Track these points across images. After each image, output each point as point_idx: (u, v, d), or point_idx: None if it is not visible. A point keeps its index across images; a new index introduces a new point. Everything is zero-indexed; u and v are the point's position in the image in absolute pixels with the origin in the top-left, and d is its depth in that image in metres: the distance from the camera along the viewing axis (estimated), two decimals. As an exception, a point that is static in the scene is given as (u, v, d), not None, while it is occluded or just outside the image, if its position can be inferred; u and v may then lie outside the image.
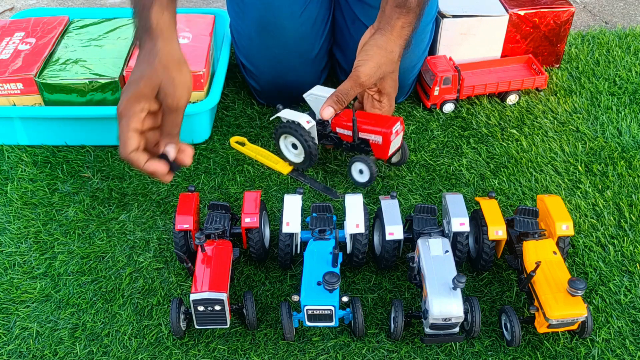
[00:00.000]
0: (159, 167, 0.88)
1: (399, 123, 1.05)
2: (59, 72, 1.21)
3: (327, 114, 1.02)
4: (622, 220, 1.08)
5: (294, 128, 1.09)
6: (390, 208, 0.96)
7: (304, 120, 1.09)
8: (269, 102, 1.35)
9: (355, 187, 1.16)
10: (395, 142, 1.07)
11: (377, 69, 1.02)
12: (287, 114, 1.11)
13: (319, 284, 0.86)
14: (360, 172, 1.09)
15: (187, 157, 0.90)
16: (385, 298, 0.97)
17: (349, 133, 1.09)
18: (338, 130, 1.10)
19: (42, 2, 1.85)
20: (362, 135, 1.07)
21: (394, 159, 1.14)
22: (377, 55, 1.01)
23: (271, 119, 1.17)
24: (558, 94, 1.39)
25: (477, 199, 1.02)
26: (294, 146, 1.13)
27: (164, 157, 0.88)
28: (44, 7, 1.52)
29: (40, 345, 0.90)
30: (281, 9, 1.22)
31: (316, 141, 1.11)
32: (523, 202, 1.12)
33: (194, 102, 1.23)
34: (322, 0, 1.27)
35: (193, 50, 1.27)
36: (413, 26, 1.04)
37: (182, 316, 0.89)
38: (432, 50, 1.40)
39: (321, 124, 1.13)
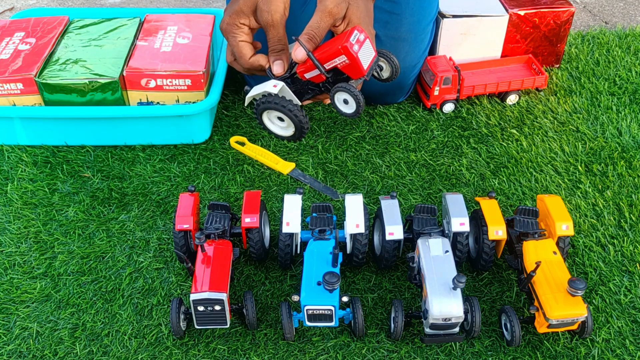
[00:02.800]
0: (279, 66, 0.96)
1: (356, 31, 0.91)
2: (59, 72, 1.21)
3: (300, 54, 0.93)
4: (622, 220, 1.08)
5: (270, 100, 0.97)
6: (390, 208, 0.96)
7: (270, 85, 0.97)
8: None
9: (356, 187, 1.16)
10: (365, 52, 0.94)
11: (336, 4, 0.93)
12: (256, 90, 0.99)
13: (319, 284, 0.86)
14: (345, 102, 0.96)
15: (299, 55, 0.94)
16: (385, 298, 0.97)
17: (315, 72, 0.97)
18: (307, 75, 0.98)
19: (42, 2, 1.85)
20: (327, 65, 0.94)
21: (385, 74, 1.02)
22: None
23: (245, 105, 1.07)
24: (558, 94, 1.39)
25: (477, 199, 1.02)
26: (280, 119, 1.02)
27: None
28: (44, 7, 1.52)
29: (40, 345, 0.90)
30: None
31: (298, 103, 0.99)
32: (523, 202, 1.12)
33: (193, 102, 1.23)
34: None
35: (193, 50, 1.27)
36: None
37: (182, 316, 0.89)
38: (432, 50, 1.40)
39: (292, 81, 1.00)
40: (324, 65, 0.94)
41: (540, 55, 1.45)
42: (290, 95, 0.98)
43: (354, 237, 0.95)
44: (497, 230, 0.94)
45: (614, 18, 1.75)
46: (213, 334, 0.92)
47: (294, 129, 1.01)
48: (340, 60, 0.93)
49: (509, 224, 0.99)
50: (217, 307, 0.85)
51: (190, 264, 0.89)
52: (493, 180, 1.17)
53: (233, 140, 1.26)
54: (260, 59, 0.97)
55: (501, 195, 1.14)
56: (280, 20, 0.94)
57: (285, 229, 0.93)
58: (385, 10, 1.25)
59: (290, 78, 1.00)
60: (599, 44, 1.56)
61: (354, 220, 0.94)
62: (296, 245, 0.99)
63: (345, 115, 0.97)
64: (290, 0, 1.21)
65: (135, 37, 1.33)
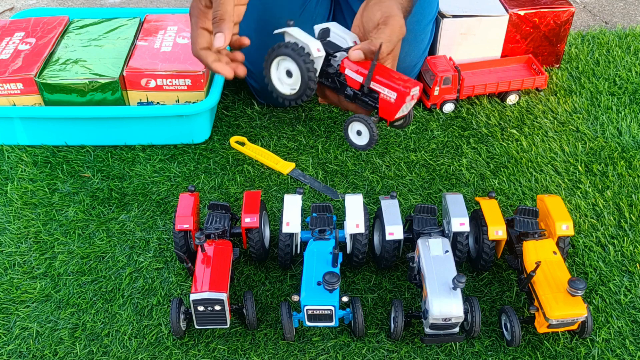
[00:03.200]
0: (224, 70, 0.88)
1: (418, 88, 0.88)
2: (59, 72, 1.21)
3: (357, 55, 0.86)
4: (622, 220, 1.08)
5: (297, 52, 0.88)
6: (390, 208, 0.96)
7: (314, 47, 0.88)
8: (269, 102, 1.35)
9: (356, 187, 1.16)
10: (406, 107, 0.91)
11: (401, 25, 0.89)
12: (296, 33, 0.90)
13: (319, 284, 0.86)
14: (359, 133, 0.92)
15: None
16: (385, 298, 0.97)
17: (359, 79, 0.91)
18: (347, 72, 0.91)
19: (42, 2, 1.85)
20: (373, 86, 0.89)
21: (397, 122, 0.98)
22: (398, 15, 0.89)
23: (275, 32, 0.95)
24: (558, 94, 1.39)
25: (477, 199, 1.02)
26: (289, 74, 0.92)
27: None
28: (44, 7, 1.52)
29: (40, 345, 0.90)
30: (280, 9, 1.22)
31: (317, 75, 0.92)
32: (523, 202, 1.12)
33: (193, 102, 1.23)
34: (321, 0, 1.27)
35: (193, 50, 1.27)
36: None
37: (182, 316, 0.89)
38: (432, 50, 1.40)
39: (328, 60, 0.93)
40: (369, 84, 0.89)
41: (540, 55, 1.45)
42: (317, 67, 0.90)
43: (354, 237, 0.95)
44: (497, 230, 0.94)
45: (614, 18, 1.75)
46: (213, 334, 0.92)
47: (298, 88, 0.90)
48: (387, 94, 0.89)
49: (509, 224, 0.99)
50: (217, 307, 0.85)
51: (190, 264, 0.89)
52: (493, 180, 1.17)
53: (233, 140, 1.26)
54: (209, 56, 0.88)
55: (501, 195, 1.14)
56: None
57: (285, 229, 0.93)
58: None
59: (329, 58, 0.92)
60: (599, 44, 1.56)
61: (354, 220, 0.94)
62: (296, 245, 0.99)
63: (353, 146, 0.94)
64: (285, 2, 1.20)
65: (135, 37, 1.33)
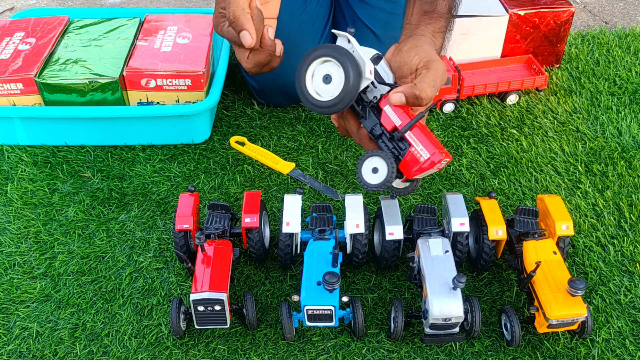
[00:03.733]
0: (245, 38, 0.83)
1: (447, 160, 0.82)
2: (59, 72, 1.21)
3: (397, 100, 0.79)
4: (622, 220, 1.08)
5: (351, 61, 0.79)
6: (390, 208, 0.96)
7: (369, 68, 0.80)
8: (269, 102, 1.35)
9: (356, 187, 1.16)
10: (427, 173, 0.84)
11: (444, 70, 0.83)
12: (356, 46, 0.81)
13: (319, 284, 0.86)
14: (374, 170, 0.82)
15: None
16: (385, 298, 0.97)
17: (397, 122, 0.82)
18: (386, 109, 0.83)
19: (42, 2, 1.85)
20: (409, 136, 0.82)
21: (399, 185, 0.89)
22: (436, 57, 0.84)
23: (334, 31, 0.85)
24: (558, 94, 1.39)
25: (477, 199, 1.02)
26: (327, 79, 0.82)
27: None
28: (44, 7, 1.52)
29: (40, 345, 0.90)
30: (281, 9, 1.22)
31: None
32: (523, 202, 1.12)
33: (193, 102, 1.23)
34: (322, 0, 1.27)
35: (193, 50, 1.27)
36: (445, 35, 0.90)
37: (182, 316, 0.89)
38: (432, 50, 1.40)
39: (367, 86, 0.84)
40: (406, 132, 0.82)
41: (540, 55, 1.45)
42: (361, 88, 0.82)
43: (354, 237, 0.95)
44: (497, 230, 0.94)
45: (614, 18, 1.75)
46: (213, 334, 0.92)
47: (333, 97, 0.80)
48: (420, 152, 0.81)
49: (509, 224, 0.99)
50: (217, 307, 0.85)
51: (190, 264, 0.89)
52: (493, 180, 1.17)
53: (233, 140, 1.26)
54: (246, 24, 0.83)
55: (501, 195, 1.14)
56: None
57: (285, 229, 0.93)
58: (385, 11, 1.25)
59: (363, 95, 0.84)
60: (599, 44, 1.56)
61: (354, 220, 0.94)
62: (296, 245, 0.99)
63: (365, 186, 0.83)
64: (285, 2, 1.20)
65: (135, 37, 1.33)
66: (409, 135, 0.81)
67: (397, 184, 0.87)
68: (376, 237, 1.01)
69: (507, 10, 1.38)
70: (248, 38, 0.82)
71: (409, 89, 0.79)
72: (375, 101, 0.83)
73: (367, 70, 0.80)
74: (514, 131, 1.29)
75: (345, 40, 0.82)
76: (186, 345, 0.90)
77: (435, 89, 0.80)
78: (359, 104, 0.85)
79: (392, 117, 0.82)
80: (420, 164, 0.81)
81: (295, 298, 0.84)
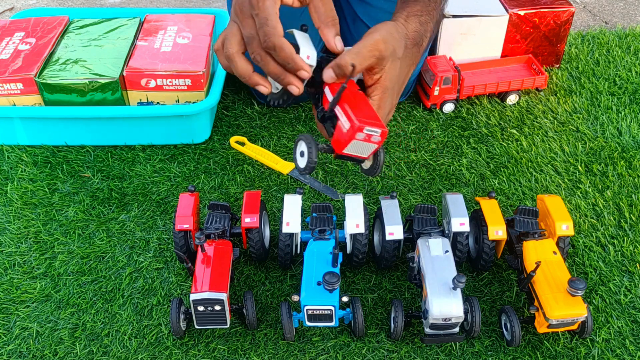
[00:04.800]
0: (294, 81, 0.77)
1: (379, 131, 0.77)
2: (59, 72, 1.21)
3: (328, 77, 0.77)
4: (622, 220, 1.08)
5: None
6: (390, 208, 0.96)
7: (305, 53, 0.79)
8: (269, 102, 1.35)
9: (356, 187, 1.16)
10: (360, 147, 0.80)
11: (384, 40, 0.78)
12: (297, 36, 0.82)
13: (319, 284, 0.86)
14: (302, 154, 0.82)
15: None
16: (385, 298, 0.97)
17: (331, 98, 0.82)
18: (326, 90, 0.84)
19: (42, 2, 1.85)
20: (337, 110, 0.81)
21: (364, 165, 0.87)
22: (385, 29, 0.79)
23: (287, 30, 0.83)
24: (558, 94, 1.39)
25: (477, 199, 1.02)
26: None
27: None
28: (44, 7, 1.52)
29: (40, 345, 0.90)
30: (280, 9, 1.22)
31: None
32: (523, 202, 1.12)
33: (193, 102, 1.23)
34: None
35: (193, 50, 1.27)
36: (421, 19, 0.85)
37: (182, 316, 0.89)
38: (432, 50, 1.40)
39: (315, 70, 0.83)
40: (334, 106, 0.80)
41: (540, 55, 1.45)
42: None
43: (354, 237, 0.95)
44: (497, 230, 0.94)
45: (614, 18, 1.75)
46: (213, 334, 0.92)
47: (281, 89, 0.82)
48: (343, 122, 0.79)
49: (509, 224, 0.99)
50: (217, 307, 0.85)
51: (190, 264, 0.89)
52: (493, 180, 1.17)
53: (233, 140, 1.26)
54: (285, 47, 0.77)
55: (501, 195, 1.14)
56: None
57: (285, 229, 0.93)
58: (386, 10, 1.25)
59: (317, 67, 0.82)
60: (599, 44, 1.56)
61: (354, 220, 0.94)
62: (296, 245, 0.99)
63: (297, 169, 0.82)
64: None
65: (135, 37, 1.33)
66: (336, 109, 0.80)
67: (364, 164, 0.85)
68: (376, 237, 1.01)
69: (507, 10, 1.38)
70: (264, 89, 0.78)
71: (333, 62, 0.75)
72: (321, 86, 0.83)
73: (304, 55, 0.78)
74: (514, 131, 1.29)
75: (298, 34, 0.81)
76: (186, 345, 0.90)
77: (358, 55, 0.75)
78: (311, 93, 0.85)
79: (328, 97, 0.82)
80: (344, 135, 0.78)
81: (295, 298, 0.84)
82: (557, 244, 0.96)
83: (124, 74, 1.21)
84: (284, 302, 0.88)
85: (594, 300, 0.95)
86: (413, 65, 0.84)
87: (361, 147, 0.79)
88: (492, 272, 1.00)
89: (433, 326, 0.85)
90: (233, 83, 1.42)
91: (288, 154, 1.23)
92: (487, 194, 1.02)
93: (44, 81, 1.19)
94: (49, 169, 1.20)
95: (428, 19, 0.87)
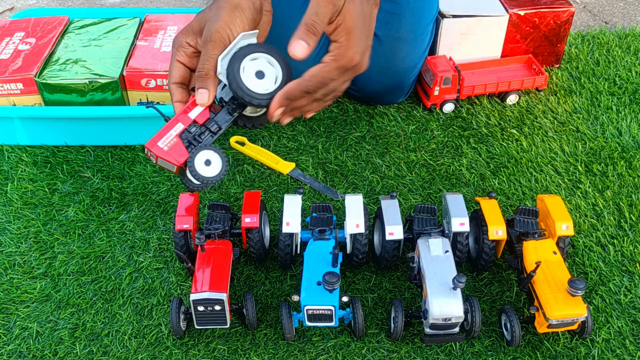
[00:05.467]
0: (202, 96, 0.78)
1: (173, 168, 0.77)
2: (59, 72, 1.21)
3: (300, 50, 0.74)
4: (622, 220, 1.08)
5: (261, 46, 0.78)
6: (390, 208, 0.96)
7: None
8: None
9: (356, 187, 1.16)
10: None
11: None
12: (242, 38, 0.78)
13: (319, 284, 0.86)
14: (208, 163, 0.79)
15: None
16: (385, 298, 0.97)
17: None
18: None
19: (42, 2, 1.85)
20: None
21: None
22: None
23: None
24: (558, 94, 1.39)
25: (477, 199, 1.02)
26: (260, 74, 0.79)
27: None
28: (44, 7, 1.52)
29: (40, 345, 0.90)
30: (280, 9, 1.22)
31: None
32: (523, 202, 1.12)
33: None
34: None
35: (193, 50, 1.27)
36: None
37: (182, 316, 0.89)
38: (432, 50, 1.40)
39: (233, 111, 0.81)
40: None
41: (540, 55, 1.45)
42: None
43: (354, 237, 0.95)
44: (497, 230, 0.94)
45: (614, 18, 1.75)
46: (213, 334, 0.92)
47: (278, 83, 0.79)
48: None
49: (509, 224, 0.99)
50: (217, 307, 0.85)
51: (190, 264, 0.89)
52: (493, 180, 1.17)
53: (233, 140, 1.26)
54: (176, 93, 0.82)
55: (501, 195, 1.14)
56: (217, 40, 0.76)
57: (285, 229, 0.93)
58: (385, 11, 1.25)
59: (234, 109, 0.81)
60: (599, 44, 1.56)
61: (354, 220, 0.94)
62: (296, 245, 0.99)
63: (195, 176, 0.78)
64: (284, 6, 1.19)
65: (135, 37, 1.33)
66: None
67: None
68: (376, 237, 1.01)
69: (507, 10, 1.38)
70: (204, 98, 0.78)
71: (301, 31, 0.75)
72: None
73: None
74: (514, 131, 1.29)
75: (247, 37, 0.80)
76: (186, 345, 0.90)
77: (318, 15, 0.74)
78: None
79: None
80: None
81: (295, 298, 0.84)
82: (557, 244, 0.96)
83: (124, 74, 1.21)
84: (284, 302, 0.88)
85: (594, 300, 0.95)
86: (375, 5, 0.82)
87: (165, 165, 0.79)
88: (492, 272, 1.00)
89: (433, 326, 0.85)
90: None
91: (288, 154, 1.23)
92: (487, 194, 1.02)
93: (44, 81, 1.19)
94: (49, 169, 1.20)
95: None
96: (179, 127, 0.78)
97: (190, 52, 0.82)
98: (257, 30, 0.80)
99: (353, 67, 0.78)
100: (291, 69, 0.79)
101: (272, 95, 0.77)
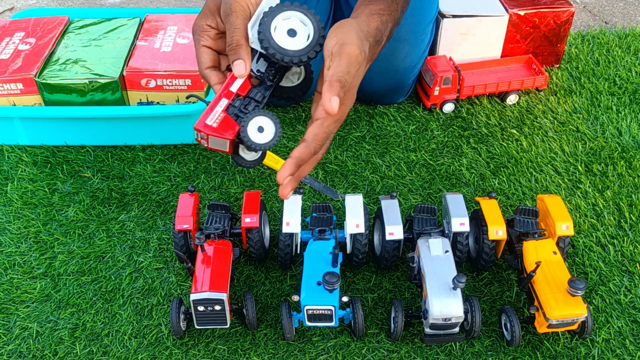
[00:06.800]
0: (240, 67, 0.76)
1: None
2: (59, 72, 1.21)
3: (336, 106, 0.73)
4: (622, 220, 1.08)
5: (292, 5, 0.77)
6: (390, 208, 0.96)
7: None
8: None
9: (356, 187, 1.16)
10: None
11: (360, 49, 0.78)
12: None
13: (319, 284, 0.86)
14: (261, 129, 0.78)
15: None
16: (385, 298, 0.97)
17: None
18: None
19: (42, 2, 1.85)
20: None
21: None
22: (353, 33, 0.78)
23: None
24: (558, 94, 1.39)
25: (477, 199, 1.02)
26: (292, 32, 0.77)
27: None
28: (44, 7, 1.52)
29: (40, 345, 0.90)
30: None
31: None
32: (523, 202, 1.12)
33: (194, 102, 1.23)
34: (322, 0, 1.27)
35: (193, 51, 1.26)
36: (383, 18, 0.85)
37: (182, 316, 0.89)
38: (432, 50, 1.40)
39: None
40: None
41: (540, 55, 1.45)
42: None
43: (354, 237, 0.95)
44: (497, 230, 0.94)
45: (614, 18, 1.75)
46: (213, 334, 0.92)
47: (307, 44, 0.77)
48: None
49: (509, 224, 0.99)
50: (217, 307, 0.85)
51: (190, 264, 0.89)
52: (493, 180, 1.17)
53: (233, 140, 1.26)
54: (212, 77, 0.81)
55: (501, 195, 1.14)
56: (238, 10, 0.76)
57: (285, 229, 0.93)
58: None
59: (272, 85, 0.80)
60: (599, 44, 1.56)
61: (354, 220, 0.94)
62: (296, 245, 0.99)
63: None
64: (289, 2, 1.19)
65: (135, 37, 1.33)
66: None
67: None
68: (376, 237, 1.01)
69: (507, 10, 1.38)
70: (241, 68, 0.76)
71: (335, 87, 0.73)
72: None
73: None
74: (514, 131, 1.29)
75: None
76: (186, 345, 0.90)
77: (348, 74, 0.75)
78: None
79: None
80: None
81: (295, 298, 0.84)
82: (557, 244, 0.96)
83: (124, 74, 1.21)
84: (284, 302, 0.88)
85: (594, 300, 0.95)
86: (370, 61, 0.84)
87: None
88: (492, 272, 1.00)
89: (433, 326, 0.85)
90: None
91: (288, 154, 1.23)
92: (487, 194, 1.02)
93: (44, 81, 1.19)
94: (49, 169, 1.20)
95: (389, 19, 0.87)
96: (224, 102, 0.76)
97: (214, 34, 0.81)
98: None
99: (343, 121, 0.79)
100: (324, 28, 0.78)
101: (305, 51, 0.76)
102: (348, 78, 0.75)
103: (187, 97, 0.87)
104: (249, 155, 0.81)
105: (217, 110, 0.76)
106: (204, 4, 0.83)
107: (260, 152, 0.81)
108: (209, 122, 0.75)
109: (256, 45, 0.77)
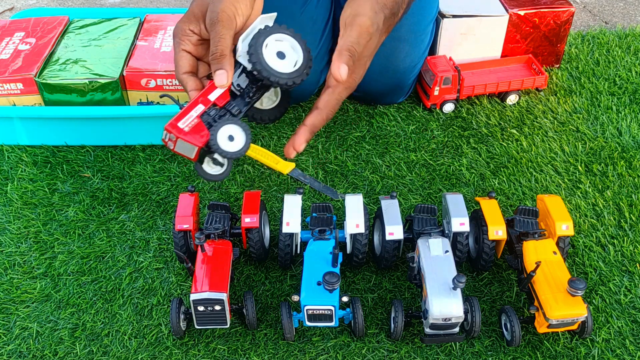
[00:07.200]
0: (222, 77, 0.75)
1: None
2: (59, 72, 1.21)
3: (345, 73, 0.76)
4: (622, 220, 1.08)
5: (287, 29, 0.78)
6: (390, 208, 0.96)
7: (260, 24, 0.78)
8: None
9: (356, 187, 1.16)
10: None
11: (372, 22, 0.79)
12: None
13: (319, 284, 0.86)
14: (231, 138, 0.76)
15: None
16: (385, 298, 0.97)
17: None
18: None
19: (42, 2, 1.85)
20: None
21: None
22: (368, 6, 0.80)
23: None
24: (558, 94, 1.39)
25: (477, 199, 1.02)
26: (281, 55, 0.77)
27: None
28: (44, 7, 1.52)
29: (40, 345, 0.90)
30: (280, 9, 1.22)
31: None
32: (523, 202, 1.12)
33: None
34: (322, 0, 1.27)
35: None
36: None
37: (182, 316, 0.89)
38: (432, 50, 1.40)
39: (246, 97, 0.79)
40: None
41: (540, 55, 1.45)
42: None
43: (354, 237, 0.95)
44: (497, 230, 0.94)
45: (614, 18, 1.75)
46: (213, 334, 0.92)
47: (299, 64, 0.77)
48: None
49: (509, 224, 0.99)
50: (217, 307, 0.85)
51: (190, 264, 0.89)
52: (493, 180, 1.17)
53: (233, 140, 1.26)
54: (189, 82, 0.79)
55: (501, 195, 1.14)
56: (224, 20, 0.76)
57: (285, 229, 0.93)
58: None
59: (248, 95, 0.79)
60: (599, 44, 1.56)
61: (354, 220, 0.94)
62: (296, 245, 0.99)
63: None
64: (285, 2, 1.19)
65: (135, 37, 1.33)
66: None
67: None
68: (376, 237, 1.01)
69: (507, 10, 1.38)
70: (223, 79, 0.75)
71: (345, 56, 0.76)
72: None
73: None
74: (514, 131, 1.29)
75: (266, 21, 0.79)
76: (186, 345, 0.90)
77: (358, 45, 0.77)
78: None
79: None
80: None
81: (295, 298, 0.84)
82: (557, 244, 0.96)
83: (124, 74, 1.21)
84: (284, 302, 0.88)
85: (594, 300, 0.95)
86: (386, 33, 0.86)
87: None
88: (492, 272, 1.00)
89: (433, 326, 0.85)
90: (233, 83, 1.42)
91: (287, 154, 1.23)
92: (487, 194, 1.02)
93: (44, 81, 1.19)
94: (49, 169, 1.20)
95: (406, 4, 0.88)
96: (200, 108, 0.76)
97: (195, 39, 0.81)
98: (275, 14, 0.80)
99: (354, 88, 0.82)
100: (312, 59, 0.79)
101: (291, 76, 0.76)
102: (358, 48, 0.77)
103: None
104: (212, 169, 0.79)
105: (192, 115, 0.75)
106: (189, 7, 0.82)
107: (223, 169, 0.79)
108: (181, 125, 0.74)
109: (243, 60, 0.76)
